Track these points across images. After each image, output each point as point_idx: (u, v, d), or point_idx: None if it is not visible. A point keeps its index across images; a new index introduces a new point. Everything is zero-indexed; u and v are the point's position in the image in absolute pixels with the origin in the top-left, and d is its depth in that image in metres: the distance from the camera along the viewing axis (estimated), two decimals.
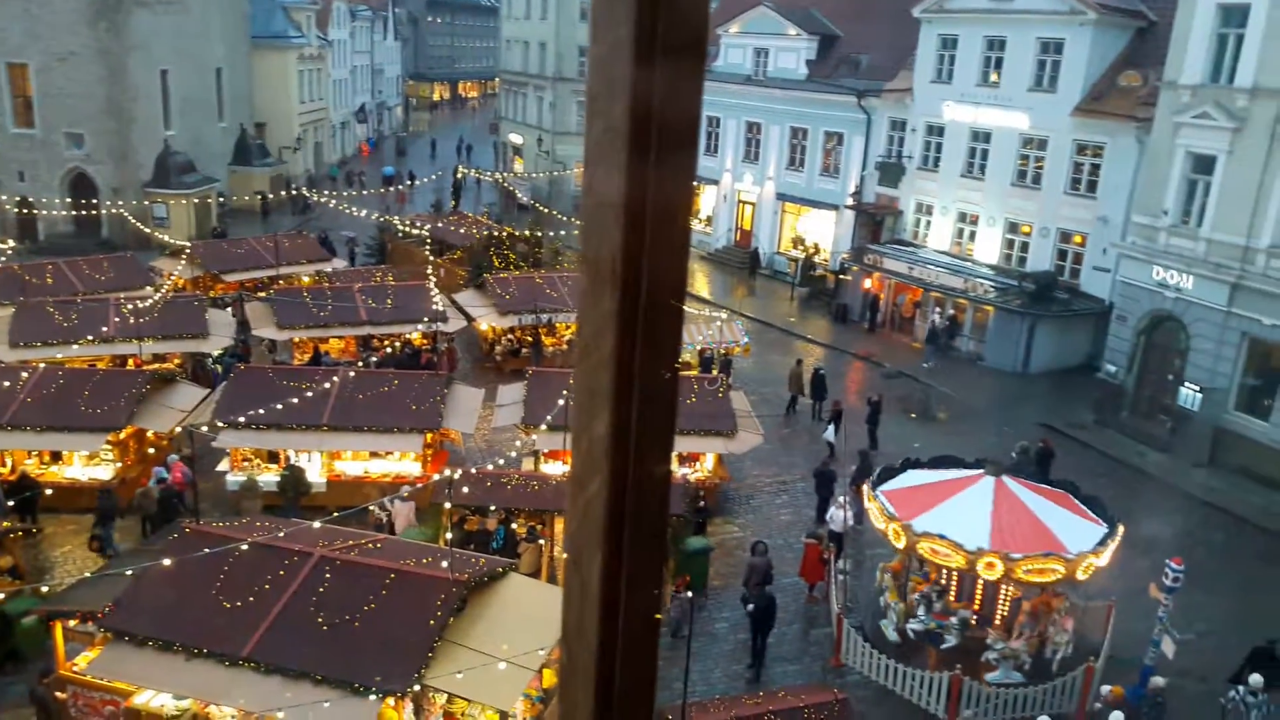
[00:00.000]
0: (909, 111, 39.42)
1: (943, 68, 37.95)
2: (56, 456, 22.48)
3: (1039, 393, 32.18)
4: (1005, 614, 18.02)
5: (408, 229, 40.42)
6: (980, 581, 17.58)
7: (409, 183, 56.82)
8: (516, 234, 41.72)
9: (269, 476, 22.17)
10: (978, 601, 18.26)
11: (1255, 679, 15.53)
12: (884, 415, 27.35)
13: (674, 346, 0.92)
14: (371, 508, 19.83)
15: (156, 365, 26.23)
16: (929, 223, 39.14)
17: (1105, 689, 16.29)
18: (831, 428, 26.00)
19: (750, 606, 18.03)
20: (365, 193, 48.47)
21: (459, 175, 55.07)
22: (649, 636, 0.97)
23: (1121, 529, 17.19)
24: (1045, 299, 33.69)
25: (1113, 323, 31.13)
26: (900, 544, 17.52)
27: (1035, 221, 35.56)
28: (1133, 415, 29.77)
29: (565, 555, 1.01)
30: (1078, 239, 34.73)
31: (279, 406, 21.04)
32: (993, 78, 36.37)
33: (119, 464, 22.51)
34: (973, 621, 18.04)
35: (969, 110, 36.95)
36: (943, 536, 16.67)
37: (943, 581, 18.64)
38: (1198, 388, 27.00)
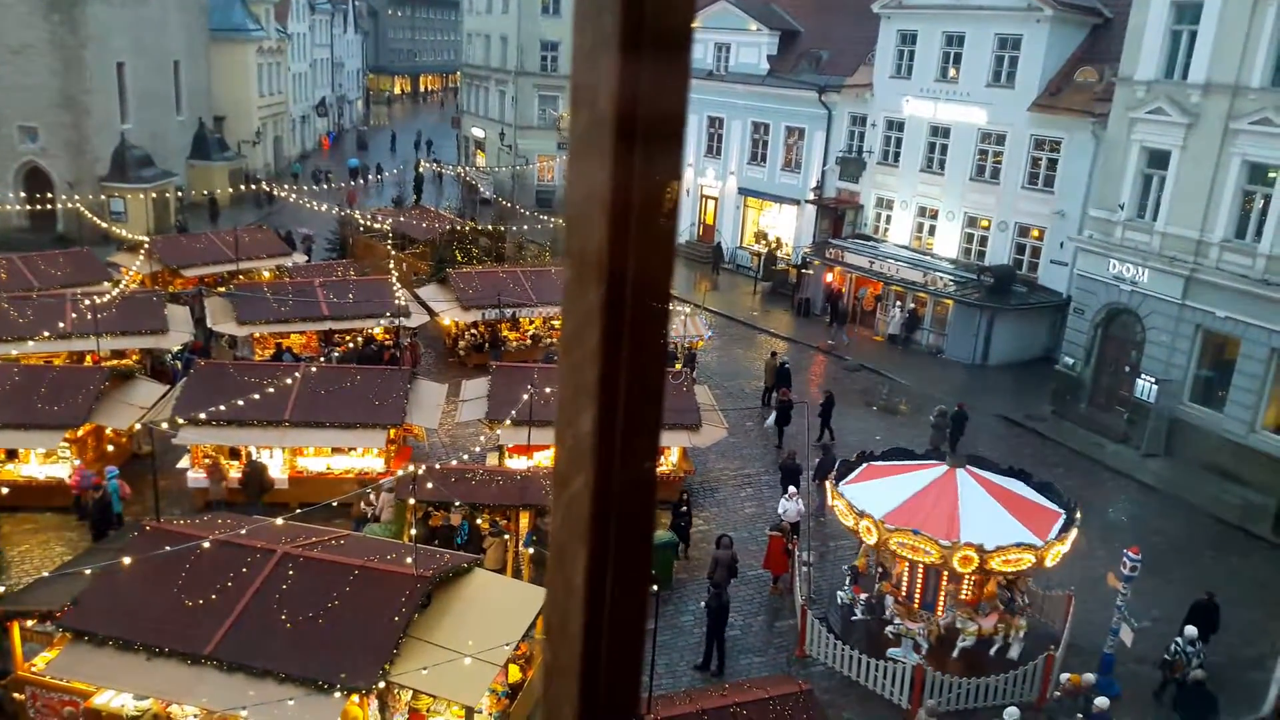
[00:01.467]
0: (869, 107, 39.66)
1: (902, 63, 38.19)
2: (13, 454, 22.08)
3: (998, 385, 32.53)
4: (955, 598, 18.18)
5: (369, 223, 40.08)
6: (921, 566, 17.76)
7: (376, 176, 56.22)
8: (479, 228, 41.53)
9: (232, 474, 21.96)
10: (920, 584, 18.43)
11: (1190, 631, 17.03)
12: (846, 407, 27.50)
13: (661, 341, 0.91)
14: (354, 499, 19.69)
15: (115, 361, 25.82)
16: (889, 217, 39.42)
17: (1064, 677, 16.54)
18: (774, 416, 26.42)
19: (704, 604, 18.15)
20: (325, 187, 47.94)
21: (420, 169, 54.64)
22: (635, 635, 0.96)
23: (1056, 549, 17.14)
24: (1004, 292, 34.08)
25: (1070, 315, 31.52)
26: (829, 502, 18.90)
27: (994, 216, 35.93)
28: (1090, 406, 30.19)
29: (549, 553, 1.00)
30: (1035, 233, 35.13)
31: (240, 402, 20.80)
32: (951, 73, 36.67)
33: (77, 461, 22.14)
34: (898, 602, 18.28)
35: (928, 105, 37.24)
36: (844, 496, 17.73)
37: (884, 564, 18.99)
38: (1153, 379, 27.40)
